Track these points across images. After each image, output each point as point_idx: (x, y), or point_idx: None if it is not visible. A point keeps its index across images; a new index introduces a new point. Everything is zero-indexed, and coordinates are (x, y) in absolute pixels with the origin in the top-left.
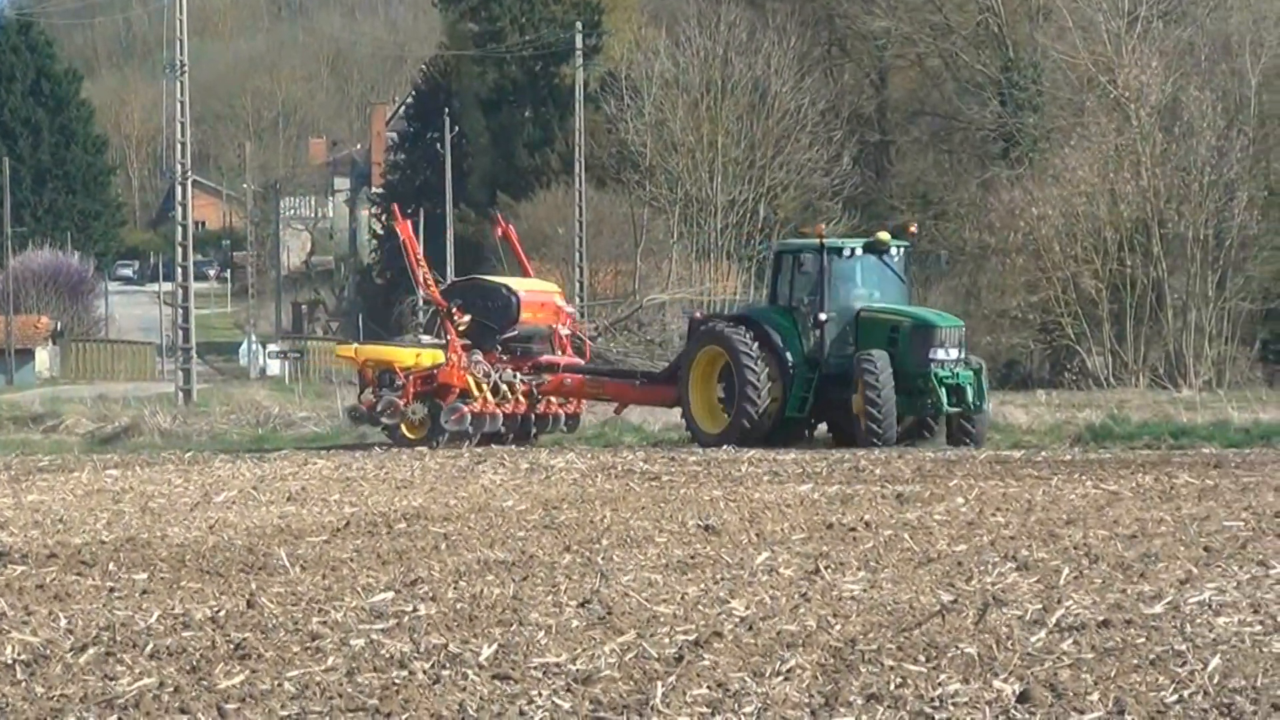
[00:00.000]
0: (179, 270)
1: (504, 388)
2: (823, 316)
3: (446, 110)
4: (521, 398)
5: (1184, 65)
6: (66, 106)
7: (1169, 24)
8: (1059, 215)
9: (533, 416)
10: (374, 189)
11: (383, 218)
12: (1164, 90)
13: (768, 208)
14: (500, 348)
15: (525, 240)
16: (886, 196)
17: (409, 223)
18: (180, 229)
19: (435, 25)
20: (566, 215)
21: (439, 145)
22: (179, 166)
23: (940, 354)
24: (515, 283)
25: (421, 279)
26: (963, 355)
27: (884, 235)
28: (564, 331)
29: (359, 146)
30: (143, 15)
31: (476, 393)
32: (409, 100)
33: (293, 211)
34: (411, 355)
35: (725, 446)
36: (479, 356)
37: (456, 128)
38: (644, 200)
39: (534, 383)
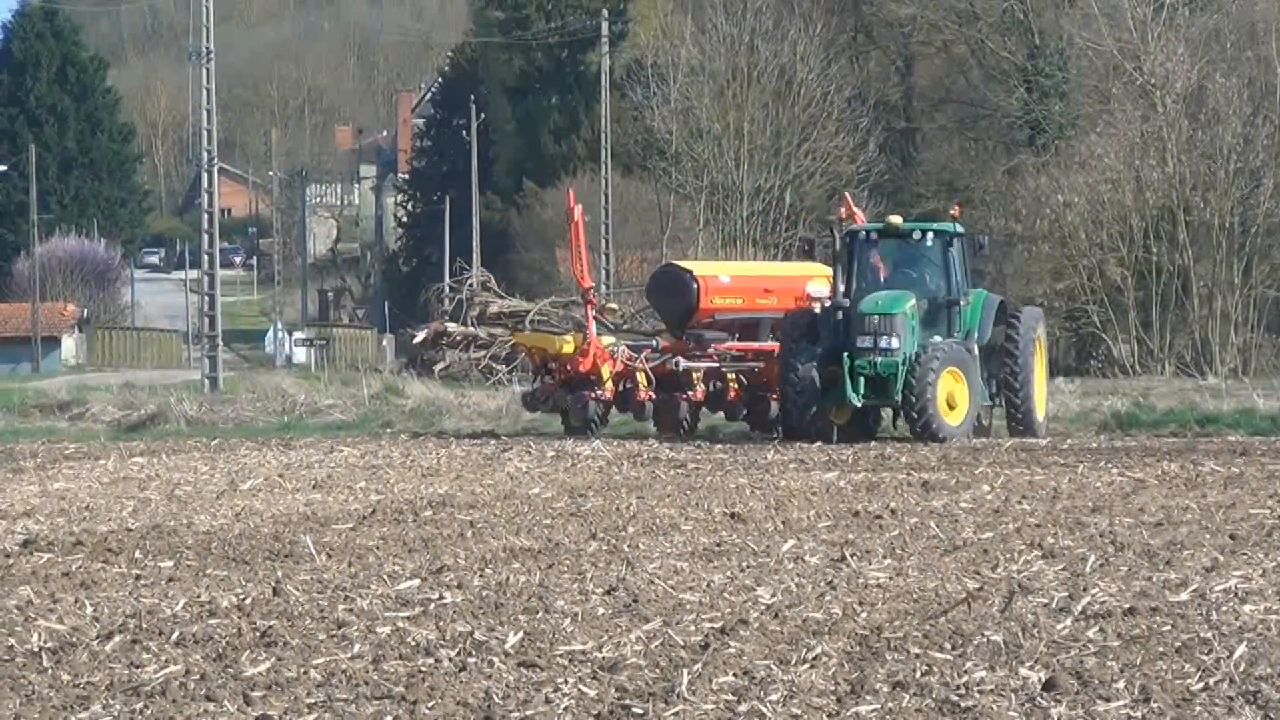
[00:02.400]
0: (205, 258)
1: (683, 377)
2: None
3: (473, 97)
4: (699, 386)
5: (1210, 52)
6: (92, 94)
7: (1195, 11)
8: (1085, 202)
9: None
10: (400, 176)
11: (408, 205)
12: (1190, 77)
13: (794, 195)
14: (686, 335)
15: (551, 228)
16: (912, 184)
17: (579, 206)
18: (206, 216)
19: (462, 12)
20: (592, 202)
21: (465, 132)
22: (205, 153)
23: (865, 342)
24: (704, 266)
25: (583, 268)
26: (903, 344)
27: (895, 219)
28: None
29: (385, 133)
30: (168, 2)
31: (607, 380)
32: (435, 87)
33: (319, 199)
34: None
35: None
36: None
37: (482, 115)
38: (670, 187)
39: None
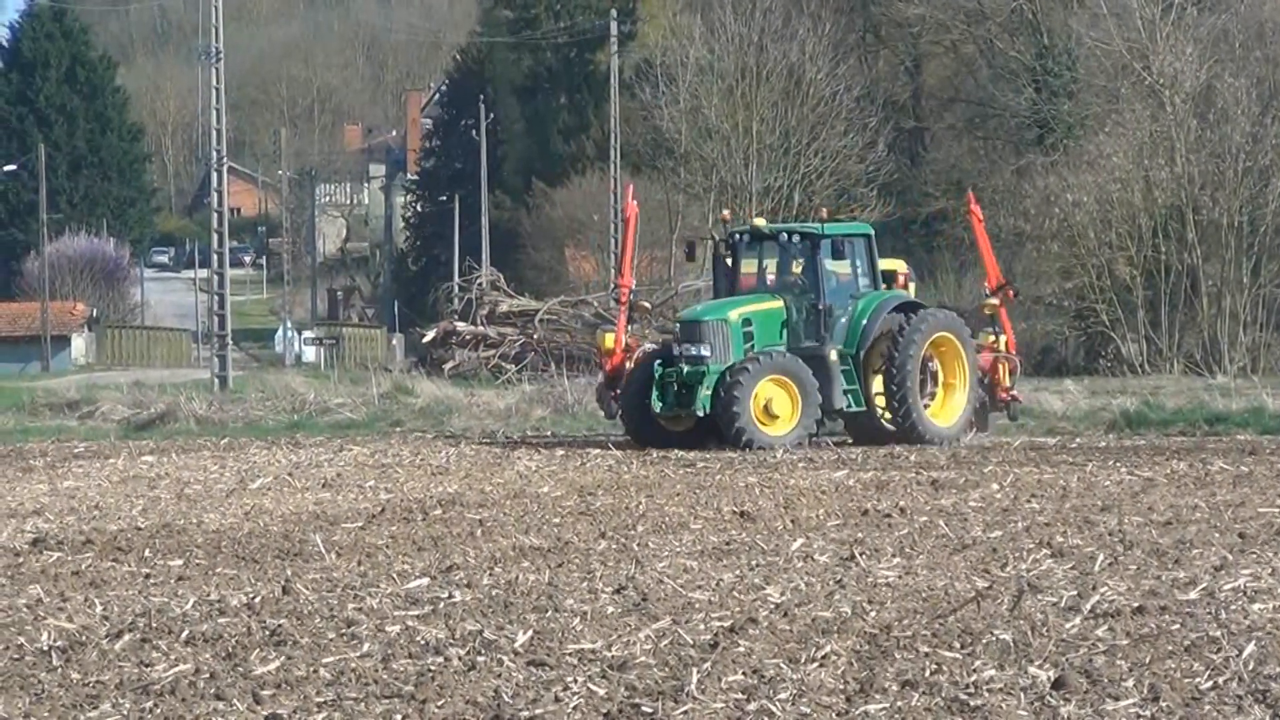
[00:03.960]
0: (214, 257)
1: None
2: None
3: (481, 97)
4: None
5: (1218, 52)
6: (102, 93)
7: (1203, 11)
8: (1094, 202)
9: None
10: (409, 175)
11: (417, 204)
12: (1198, 77)
13: (803, 194)
14: None
15: (560, 227)
16: (921, 183)
17: (635, 203)
18: (215, 215)
19: (470, 11)
20: (601, 202)
21: (474, 132)
22: (214, 153)
23: (686, 349)
24: None
25: (626, 266)
26: (718, 353)
27: (759, 221)
28: None
29: (394, 133)
30: (178, 1)
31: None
32: (444, 87)
33: (328, 198)
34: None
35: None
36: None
37: (491, 114)
38: (679, 187)
39: None
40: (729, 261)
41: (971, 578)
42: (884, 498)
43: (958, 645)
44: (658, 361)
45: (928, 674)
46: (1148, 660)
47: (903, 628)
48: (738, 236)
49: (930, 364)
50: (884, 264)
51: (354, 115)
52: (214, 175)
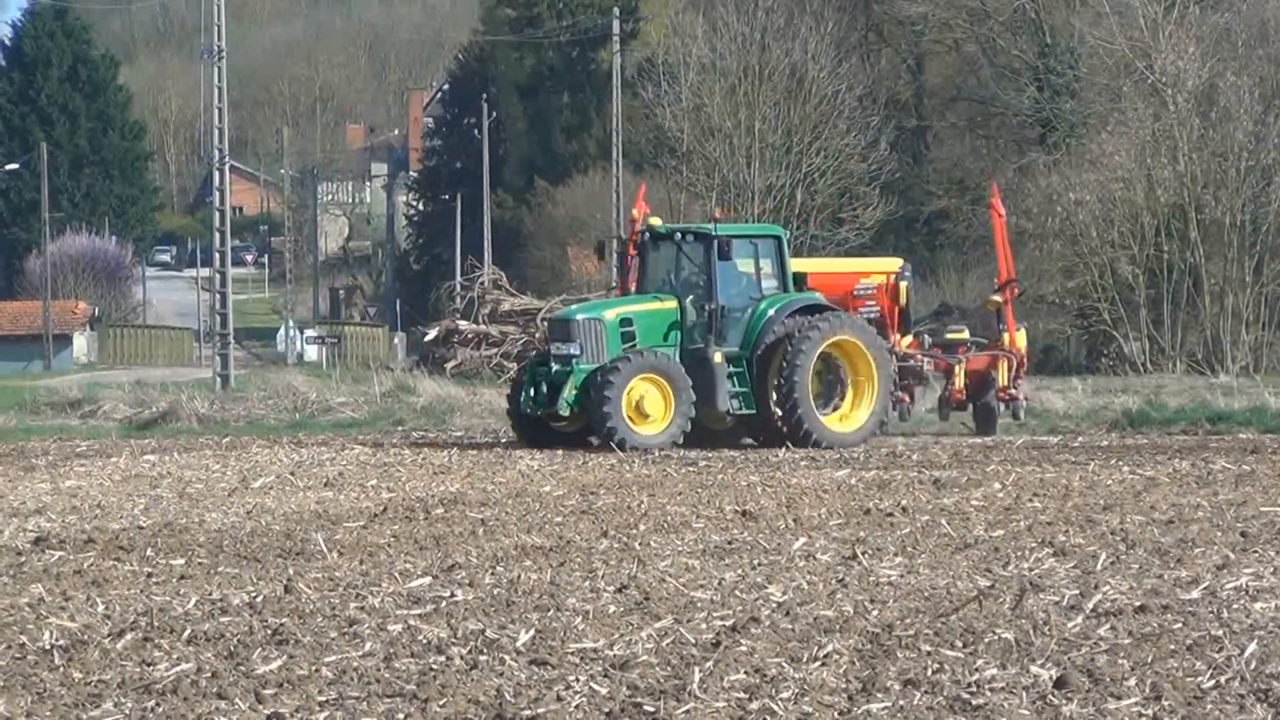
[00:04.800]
0: (216, 256)
1: None
2: None
3: (484, 95)
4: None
5: (1221, 51)
6: (104, 92)
7: (1206, 9)
8: (1096, 201)
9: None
10: (411, 174)
11: (420, 203)
12: (1201, 76)
13: (805, 193)
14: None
15: (562, 226)
16: (923, 182)
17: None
18: (218, 214)
19: (472, 10)
20: (604, 201)
21: (476, 131)
22: (216, 152)
23: (555, 348)
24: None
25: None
26: (589, 352)
27: (655, 221)
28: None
29: (396, 132)
30: (180, 0)
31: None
32: (446, 85)
33: (330, 197)
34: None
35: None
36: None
37: (494, 113)
38: (681, 185)
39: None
40: (633, 261)
41: (973, 577)
42: (886, 497)
43: (960, 644)
44: (536, 361)
45: (930, 673)
46: (1150, 659)
47: (905, 627)
48: (641, 236)
49: (839, 368)
50: (879, 263)
51: (356, 114)
52: (216, 174)
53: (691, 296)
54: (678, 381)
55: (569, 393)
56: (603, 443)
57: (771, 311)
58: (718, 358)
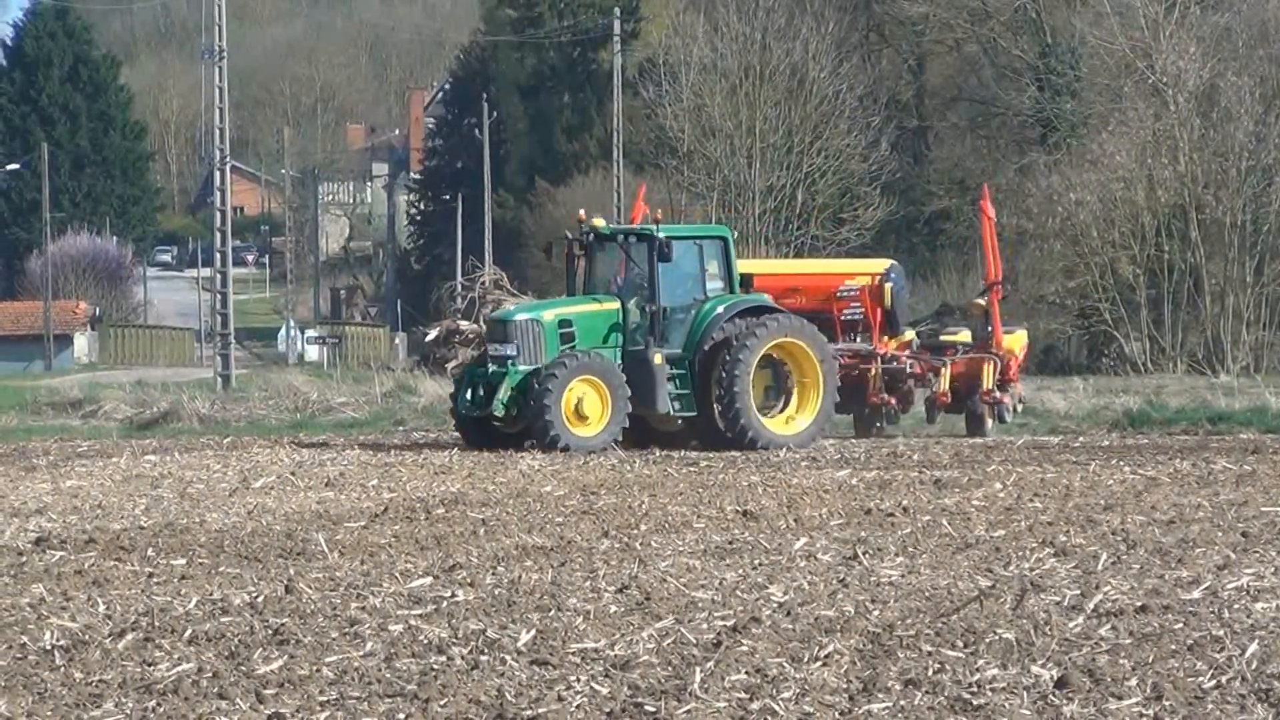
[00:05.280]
0: (217, 256)
1: None
2: None
3: (484, 96)
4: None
5: (1221, 51)
6: (105, 92)
7: (1206, 9)
8: (1097, 201)
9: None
10: (412, 174)
11: (420, 203)
12: (1201, 76)
13: (806, 193)
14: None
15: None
16: (924, 182)
17: (645, 205)
18: (219, 214)
19: (473, 10)
20: (605, 201)
21: (477, 131)
22: (217, 152)
23: (492, 349)
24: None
25: None
26: (525, 354)
27: (598, 221)
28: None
29: (397, 132)
30: (181, 0)
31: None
32: (447, 86)
33: (331, 197)
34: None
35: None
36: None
37: (495, 113)
38: (682, 185)
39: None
40: (579, 262)
41: (974, 577)
42: (887, 497)
43: (961, 644)
44: (475, 362)
45: (931, 673)
46: (1151, 659)
47: (906, 627)
48: (587, 237)
49: (784, 371)
50: (864, 264)
51: (357, 114)
52: (217, 174)
53: (635, 298)
54: (614, 383)
55: (504, 394)
56: (539, 444)
57: (715, 313)
58: (658, 359)
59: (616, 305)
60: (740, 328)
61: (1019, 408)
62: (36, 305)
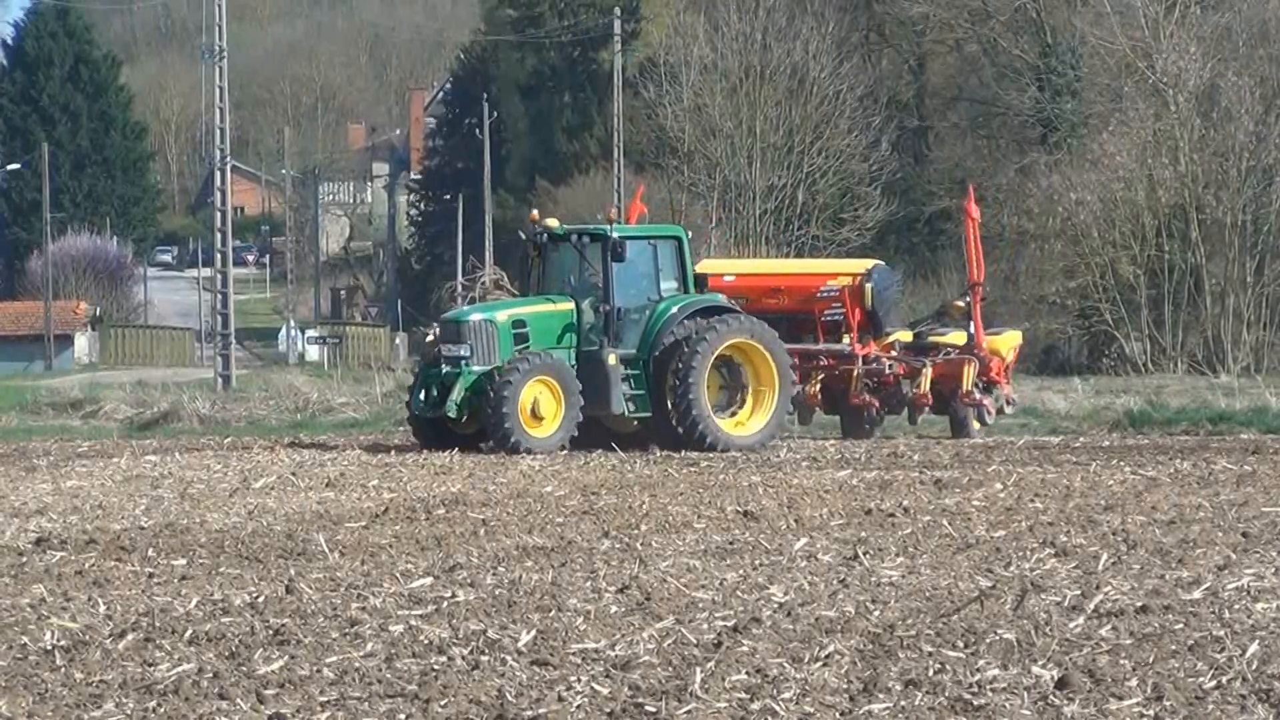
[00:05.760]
0: (218, 256)
1: None
2: None
3: (485, 96)
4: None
5: (1222, 51)
6: (105, 92)
7: (1207, 9)
8: (1097, 201)
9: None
10: (412, 174)
11: (421, 203)
12: (1202, 76)
13: (806, 193)
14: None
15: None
16: (925, 182)
17: (643, 205)
18: (219, 215)
19: (474, 10)
20: (605, 201)
21: (477, 131)
22: (218, 152)
23: (446, 350)
24: (714, 265)
25: None
26: (478, 354)
27: (551, 222)
28: None
29: (398, 132)
30: (181, 0)
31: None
32: (447, 86)
33: (331, 197)
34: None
35: None
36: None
37: (495, 113)
38: (683, 185)
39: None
40: (534, 262)
41: (975, 577)
42: (887, 497)
43: (961, 645)
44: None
45: (931, 673)
46: (1151, 660)
47: (906, 627)
48: (540, 237)
49: (740, 372)
50: (845, 264)
51: (357, 114)
52: (218, 174)
53: (589, 298)
54: (568, 384)
55: (458, 395)
56: (496, 445)
57: (670, 313)
58: (612, 359)
59: (571, 306)
60: (695, 328)
61: (1007, 409)
62: (37, 305)
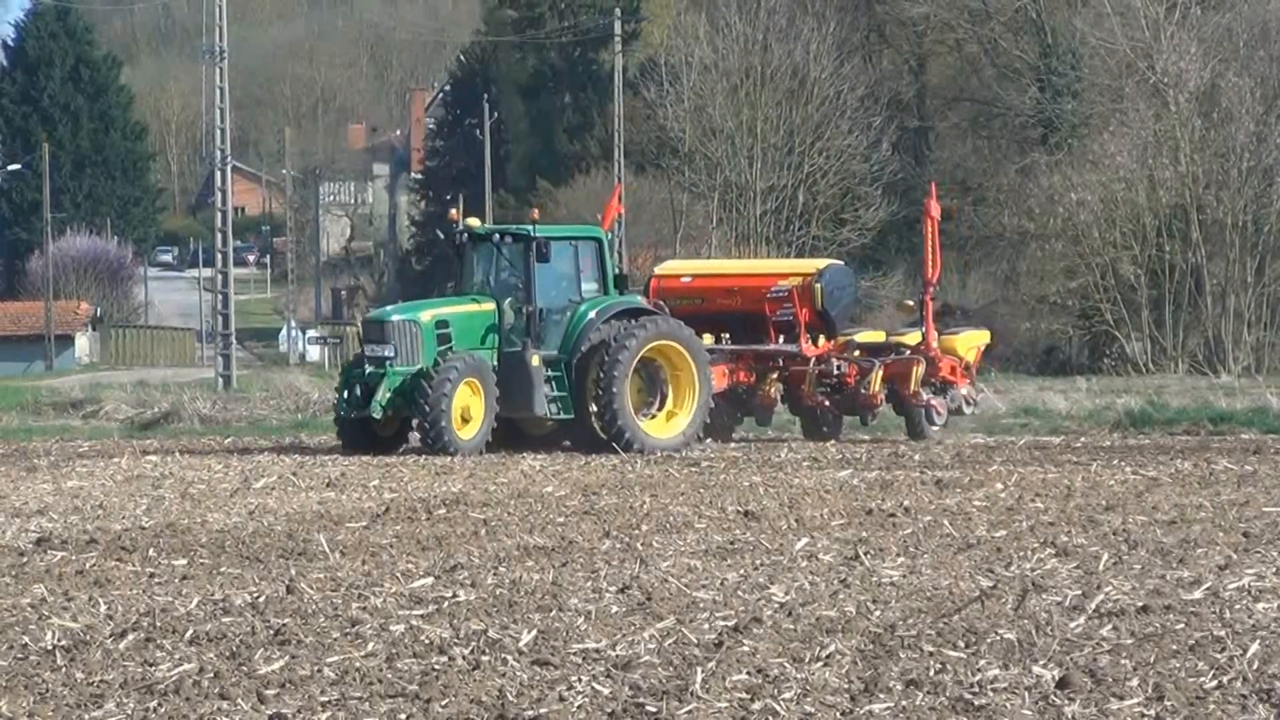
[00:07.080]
0: (218, 256)
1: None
2: None
3: (485, 96)
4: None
5: (1222, 51)
6: (106, 93)
7: (1207, 10)
8: (1098, 201)
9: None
10: (413, 175)
11: (421, 204)
12: (1202, 76)
13: (807, 194)
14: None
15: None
16: (925, 182)
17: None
18: (220, 215)
19: (474, 10)
20: (605, 201)
21: (478, 131)
22: (218, 152)
23: (369, 350)
24: (676, 266)
25: None
26: (403, 354)
27: (473, 221)
28: None
29: (398, 132)
30: (182, 1)
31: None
32: (448, 86)
33: (332, 197)
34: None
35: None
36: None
37: (496, 114)
38: (683, 186)
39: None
40: (458, 261)
41: (976, 577)
42: (888, 497)
43: (962, 645)
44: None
45: (932, 673)
46: (1152, 660)
47: (907, 627)
48: (461, 237)
49: (660, 373)
50: (796, 264)
51: (358, 114)
52: (218, 174)
53: (510, 298)
54: (489, 386)
55: (382, 395)
56: (427, 447)
57: (591, 314)
58: (535, 360)
59: (492, 306)
60: (617, 330)
61: (966, 409)
62: (37, 305)
